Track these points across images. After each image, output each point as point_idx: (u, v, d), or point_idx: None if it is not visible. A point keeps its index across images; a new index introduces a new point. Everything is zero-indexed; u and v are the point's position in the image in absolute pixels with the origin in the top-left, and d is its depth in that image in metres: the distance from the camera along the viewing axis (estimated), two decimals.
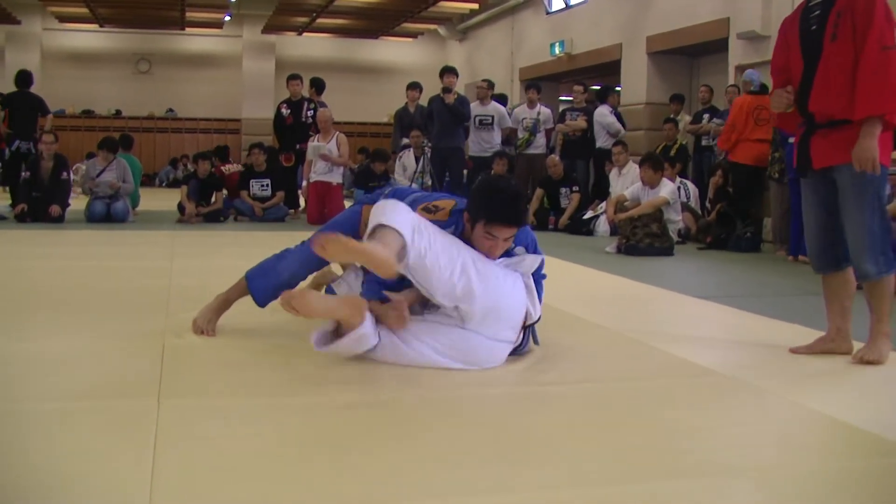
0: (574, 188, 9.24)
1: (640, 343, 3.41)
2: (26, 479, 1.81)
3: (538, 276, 3.11)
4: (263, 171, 9.53)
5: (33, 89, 9.89)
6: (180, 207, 9.10)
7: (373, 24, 17.61)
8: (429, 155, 9.82)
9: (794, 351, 3.25)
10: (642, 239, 6.95)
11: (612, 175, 8.80)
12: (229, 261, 4.77)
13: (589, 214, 9.05)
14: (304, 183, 9.59)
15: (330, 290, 3.36)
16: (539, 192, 9.40)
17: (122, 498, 1.71)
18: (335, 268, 3.72)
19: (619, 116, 10.26)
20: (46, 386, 2.53)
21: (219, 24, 18.39)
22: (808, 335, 3.39)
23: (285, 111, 9.95)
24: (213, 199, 9.22)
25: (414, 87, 10.85)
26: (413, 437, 2.19)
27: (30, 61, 16.74)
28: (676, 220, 7.65)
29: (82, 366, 2.79)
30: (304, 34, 18.81)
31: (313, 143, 9.20)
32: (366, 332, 2.74)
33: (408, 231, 2.69)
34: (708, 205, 8.71)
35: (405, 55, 20.23)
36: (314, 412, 2.38)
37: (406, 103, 10.94)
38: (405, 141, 10.68)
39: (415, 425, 2.32)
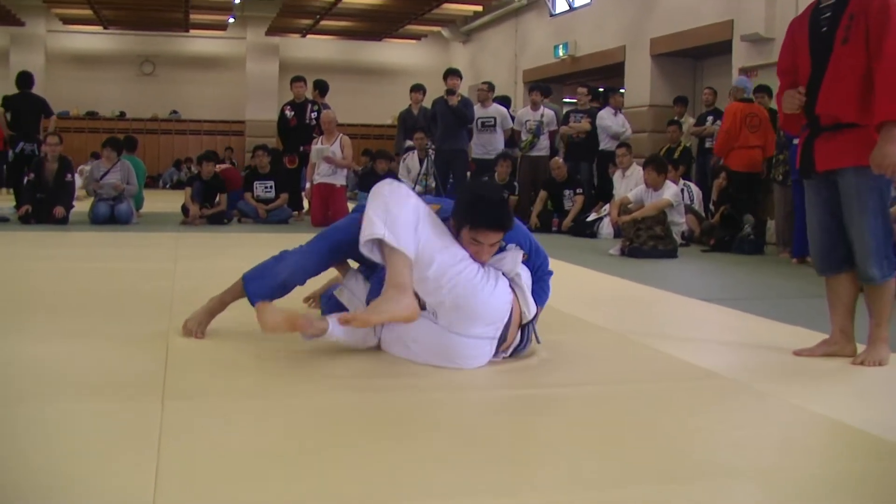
0: (577, 190, 9.24)
1: (642, 345, 3.41)
2: (29, 479, 1.81)
3: (544, 274, 3.10)
4: (267, 173, 9.54)
5: (38, 91, 9.90)
6: (184, 209, 9.12)
7: (376, 26, 17.63)
8: (432, 157, 9.81)
9: (798, 353, 3.24)
10: (646, 241, 6.94)
11: (616, 177, 8.80)
12: (233, 263, 4.75)
13: (592, 216, 9.05)
14: (308, 185, 9.60)
15: (330, 295, 3.35)
16: (543, 194, 9.40)
17: (126, 499, 1.72)
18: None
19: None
20: (50, 387, 2.54)
21: (223, 26, 18.42)
22: (812, 338, 3.39)
23: (289, 113, 9.97)
24: (216, 201, 9.24)
25: (417, 89, 10.84)
26: (413, 438, 2.20)
27: (34, 63, 16.80)
28: (680, 222, 7.66)
29: (86, 367, 2.80)
30: (308, 36, 18.84)
31: (317, 146, 9.22)
32: (335, 334, 2.86)
33: (412, 248, 2.75)
34: (711, 207, 8.71)
35: (409, 57, 20.24)
36: (316, 413, 2.38)
37: (410, 105, 10.93)
38: (409, 143, 10.68)
39: (415, 426, 2.33)
